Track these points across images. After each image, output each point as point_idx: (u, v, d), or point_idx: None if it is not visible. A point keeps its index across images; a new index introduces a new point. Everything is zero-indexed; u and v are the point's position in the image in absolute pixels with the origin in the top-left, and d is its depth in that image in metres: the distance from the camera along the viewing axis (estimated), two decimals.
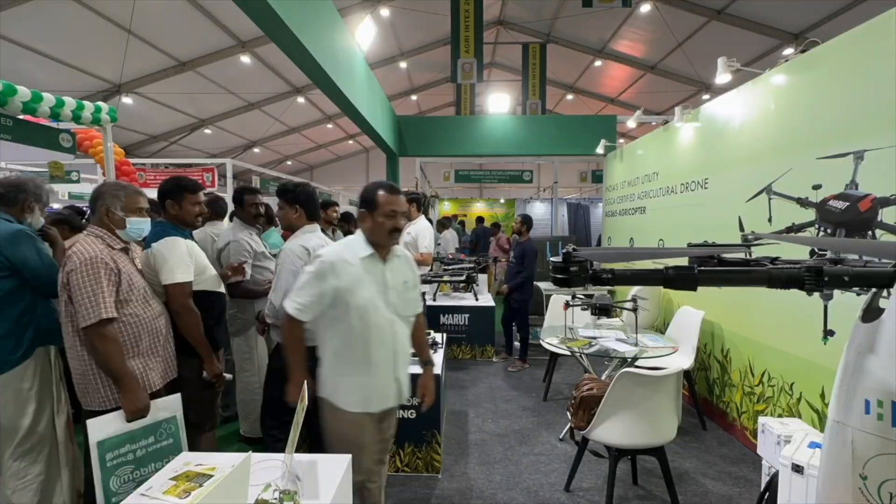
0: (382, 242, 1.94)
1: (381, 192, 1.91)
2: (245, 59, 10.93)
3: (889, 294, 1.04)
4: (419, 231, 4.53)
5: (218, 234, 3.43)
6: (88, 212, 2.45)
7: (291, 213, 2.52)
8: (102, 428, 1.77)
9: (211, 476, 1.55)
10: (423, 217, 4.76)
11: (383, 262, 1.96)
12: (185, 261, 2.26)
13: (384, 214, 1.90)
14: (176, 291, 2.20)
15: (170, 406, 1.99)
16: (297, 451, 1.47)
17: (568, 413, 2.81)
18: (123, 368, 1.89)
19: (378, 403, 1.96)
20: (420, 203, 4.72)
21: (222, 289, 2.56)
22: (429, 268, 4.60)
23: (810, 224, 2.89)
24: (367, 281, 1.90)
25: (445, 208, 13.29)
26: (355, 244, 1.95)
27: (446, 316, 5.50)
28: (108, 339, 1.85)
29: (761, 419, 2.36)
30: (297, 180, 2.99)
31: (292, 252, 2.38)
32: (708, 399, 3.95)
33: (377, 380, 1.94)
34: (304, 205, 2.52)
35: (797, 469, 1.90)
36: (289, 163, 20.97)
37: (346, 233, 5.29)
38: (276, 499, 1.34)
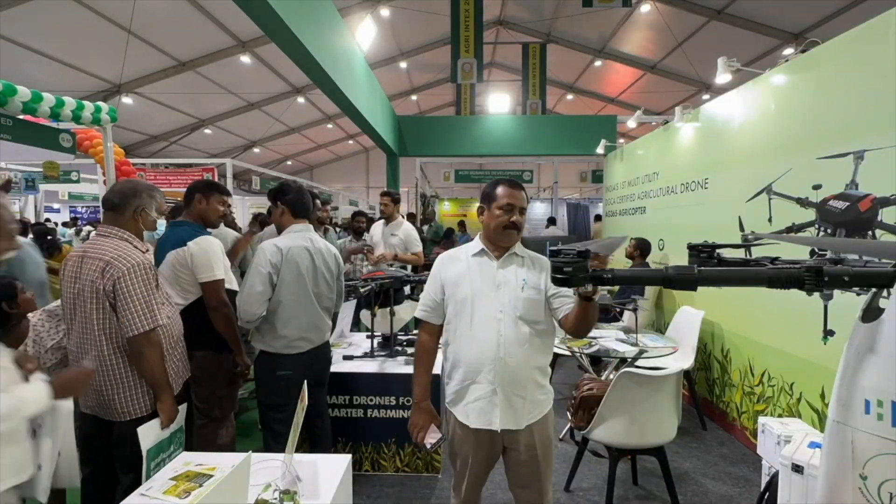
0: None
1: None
2: (245, 59, 10.93)
3: (889, 294, 1.04)
4: (407, 232, 4.54)
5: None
6: (102, 211, 2.41)
7: (276, 212, 2.48)
8: (149, 435, 1.73)
9: (211, 476, 1.55)
10: (402, 218, 4.74)
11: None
12: (221, 258, 2.32)
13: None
14: (214, 287, 2.25)
15: (182, 415, 1.99)
16: (296, 450, 1.47)
17: (568, 413, 2.81)
18: (165, 375, 1.87)
19: None
20: (399, 203, 4.69)
21: (236, 287, 2.60)
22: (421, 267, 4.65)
23: (810, 224, 2.89)
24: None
25: (445, 208, 13.28)
26: None
27: None
28: (156, 345, 1.83)
29: (761, 419, 2.35)
30: (288, 178, 3.00)
31: (262, 251, 2.30)
32: (708, 399, 3.95)
33: None
34: (287, 202, 2.44)
35: (797, 469, 1.90)
36: (289, 163, 20.98)
37: (357, 232, 5.12)
38: (276, 499, 1.34)
